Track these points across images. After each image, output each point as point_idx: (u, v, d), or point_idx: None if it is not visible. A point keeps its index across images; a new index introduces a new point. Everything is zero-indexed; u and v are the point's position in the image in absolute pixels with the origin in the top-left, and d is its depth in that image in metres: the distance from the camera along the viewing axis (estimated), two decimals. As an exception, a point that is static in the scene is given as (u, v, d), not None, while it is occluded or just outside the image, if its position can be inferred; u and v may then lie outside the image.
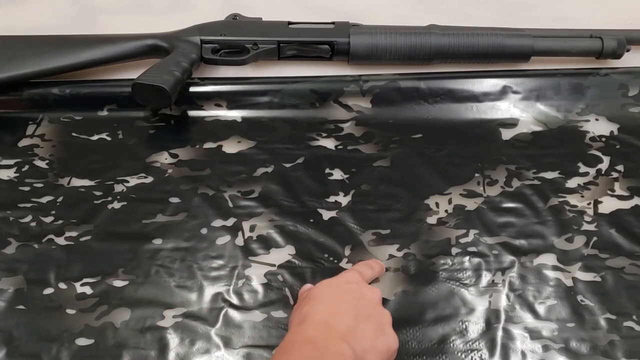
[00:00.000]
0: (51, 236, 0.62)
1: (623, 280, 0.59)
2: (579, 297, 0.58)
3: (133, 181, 0.67)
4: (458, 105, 0.73)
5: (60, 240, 0.62)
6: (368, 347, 0.48)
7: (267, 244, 0.62)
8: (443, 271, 0.60)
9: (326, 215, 0.64)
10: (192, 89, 0.73)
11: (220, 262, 0.61)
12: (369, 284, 0.57)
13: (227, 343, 0.55)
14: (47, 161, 0.69)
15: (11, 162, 0.68)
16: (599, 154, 0.69)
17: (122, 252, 0.61)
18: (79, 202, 0.65)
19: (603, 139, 0.70)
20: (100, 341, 0.55)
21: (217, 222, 0.63)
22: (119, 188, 0.66)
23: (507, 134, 0.71)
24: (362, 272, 0.56)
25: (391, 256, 0.61)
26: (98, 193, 0.66)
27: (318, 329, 0.48)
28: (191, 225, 0.63)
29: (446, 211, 0.64)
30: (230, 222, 0.63)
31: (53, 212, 0.64)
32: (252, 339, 0.56)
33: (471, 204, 0.65)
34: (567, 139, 0.70)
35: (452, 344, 0.55)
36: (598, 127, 0.71)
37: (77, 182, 0.67)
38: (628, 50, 0.74)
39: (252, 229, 0.63)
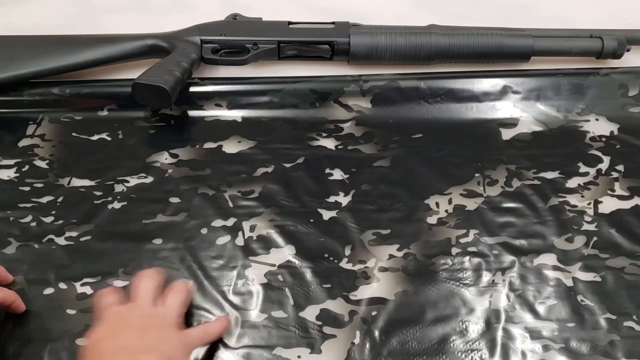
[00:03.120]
0: (51, 236, 0.62)
1: (623, 280, 0.59)
2: (579, 297, 0.58)
3: (133, 181, 0.67)
4: (458, 105, 0.73)
5: (60, 240, 0.62)
6: (166, 349, 0.49)
7: (267, 244, 0.62)
8: (443, 271, 0.60)
9: (326, 215, 0.64)
10: (192, 89, 0.73)
11: (221, 262, 0.61)
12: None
13: (227, 343, 0.55)
14: (47, 161, 0.69)
15: (11, 162, 0.68)
16: (599, 154, 0.69)
17: (122, 252, 0.61)
18: (79, 202, 0.65)
19: (603, 139, 0.70)
20: (100, 341, 0.55)
21: (217, 222, 0.63)
22: (119, 188, 0.66)
23: (507, 134, 0.71)
24: (115, 302, 0.53)
25: (391, 256, 0.61)
26: (98, 193, 0.66)
27: (115, 355, 0.48)
28: (191, 225, 0.63)
29: (446, 211, 0.64)
30: (231, 222, 0.63)
31: (53, 212, 0.64)
32: (252, 339, 0.56)
33: (471, 204, 0.65)
34: (567, 139, 0.70)
35: (452, 344, 0.55)
36: (598, 127, 0.71)
37: (77, 182, 0.67)
38: (628, 50, 0.74)
39: (252, 229, 0.63)
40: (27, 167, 0.68)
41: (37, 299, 0.58)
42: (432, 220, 0.64)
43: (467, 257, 0.61)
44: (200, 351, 0.55)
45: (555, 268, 0.60)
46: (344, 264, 0.60)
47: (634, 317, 0.56)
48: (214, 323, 0.56)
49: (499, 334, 0.56)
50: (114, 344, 0.49)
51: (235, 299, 0.58)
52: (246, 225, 0.63)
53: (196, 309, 0.57)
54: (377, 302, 0.58)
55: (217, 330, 0.55)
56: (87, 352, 0.49)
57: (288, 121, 0.72)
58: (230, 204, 0.65)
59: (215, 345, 0.55)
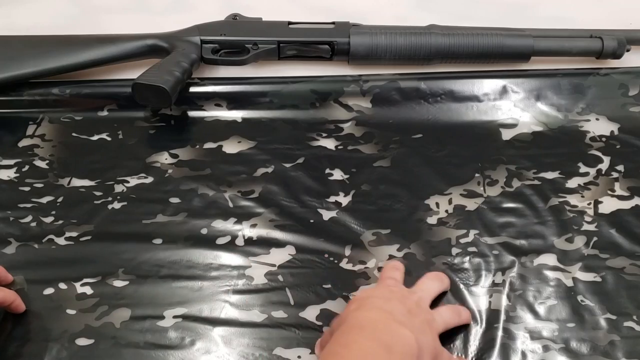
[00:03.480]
0: (51, 236, 0.62)
1: (623, 280, 0.59)
2: (579, 297, 0.58)
3: (133, 181, 0.67)
4: (458, 105, 0.73)
5: (60, 240, 0.62)
6: (423, 340, 0.48)
7: (267, 244, 0.62)
8: (443, 271, 0.60)
9: (326, 215, 0.64)
10: (192, 89, 0.73)
11: (221, 262, 0.61)
12: None
13: (227, 343, 0.55)
14: (47, 161, 0.69)
15: (11, 162, 0.68)
16: (599, 154, 0.69)
17: (122, 252, 0.61)
18: (79, 202, 0.65)
19: (603, 139, 0.70)
20: (100, 341, 0.55)
21: (217, 222, 0.63)
22: (119, 188, 0.66)
23: (507, 134, 0.71)
24: (395, 278, 0.56)
25: (391, 256, 0.61)
26: (98, 193, 0.66)
27: (377, 313, 0.48)
28: (191, 225, 0.63)
29: (446, 211, 0.64)
30: (231, 222, 0.63)
31: (53, 212, 0.64)
32: (252, 339, 0.56)
33: (471, 204, 0.65)
34: (567, 139, 0.70)
35: (452, 344, 0.55)
36: (598, 127, 0.71)
37: (77, 182, 0.67)
38: (628, 50, 0.74)
39: (252, 229, 0.63)
40: (27, 167, 0.68)
41: (37, 299, 0.58)
42: (432, 220, 0.64)
43: (467, 257, 0.61)
44: (201, 350, 0.55)
45: (555, 268, 0.60)
46: (344, 264, 0.60)
47: (634, 317, 0.56)
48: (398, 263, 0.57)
49: (499, 334, 0.56)
50: (382, 305, 0.49)
51: (235, 299, 0.58)
52: (246, 225, 0.63)
53: (195, 310, 0.57)
54: (377, 302, 0.58)
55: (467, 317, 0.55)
56: (356, 300, 0.51)
57: (288, 121, 0.72)
58: (230, 204, 0.65)
59: (215, 345, 0.55)
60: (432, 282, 0.56)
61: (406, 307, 0.50)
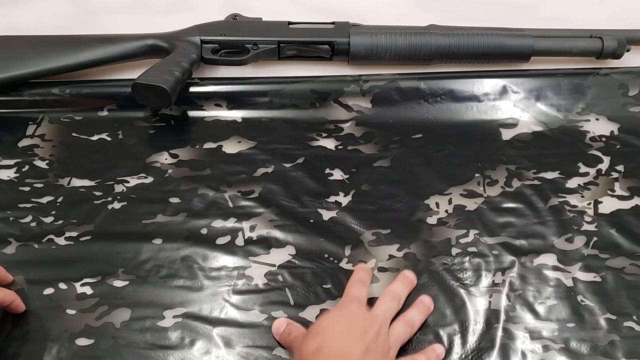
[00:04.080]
0: (51, 236, 0.62)
1: (623, 280, 0.59)
2: (579, 297, 0.58)
3: (133, 181, 0.67)
4: (458, 105, 0.73)
5: (60, 240, 0.62)
6: None
7: (267, 244, 0.62)
8: (443, 271, 0.60)
9: (326, 215, 0.64)
10: (192, 89, 0.73)
11: (221, 262, 0.61)
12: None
13: (227, 343, 0.55)
14: (47, 161, 0.69)
15: (11, 162, 0.68)
16: (599, 154, 0.69)
17: (122, 252, 0.61)
18: (79, 202, 0.65)
19: (603, 139, 0.70)
20: (100, 341, 0.55)
21: (217, 222, 0.63)
22: (119, 188, 0.66)
23: (507, 134, 0.71)
24: (360, 299, 0.55)
25: (391, 256, 0.61)
26: (98, 193, 0.66)
27: (335, 358, 0.48)
28: (191, 225, 0.63)
29: (446, 211, 0.64)
30: (230, 222, 0.63)
31: (53, 212, 0.64)
32: (252, 339, 0.56)
33: (471, 204, 0.65)
34: (567, 139, 0.70)
35: (452, 344, 0.55)
36: (598, 127, 0.71)
37: (77, 182, 0.67)
38: (628, 50, 0.74)
39: (252, 229, 0.63)
40: (27, 167, 0.68)
41: (37, 299, 0.58)
42: (432, 220, 0.64)
43: (467, 258, 0.61)
44: (201, 350, 0.55)
45: (555, 268, 0.60)
46: (344, 264, 0.60)
47: (634, 317, 0.56)
48: (365, 272, 0.57)
49: (499, 334, 0.56)
50: (339, 345, 0.49)
51: (235, 299, 0.58)
52: (246, 225, 0.63)
53: (195, 310, 0.57)
54: (377, 302, 0.58)
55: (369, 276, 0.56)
56: (316, 336, 0.51)
57: (288, 121, 0.72)
58: (230, 204, 0.65)
59: (215, 345, 0.55)
60: (391, 304, 0.55)
61: (365, 344, 0.50)
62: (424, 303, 0.57)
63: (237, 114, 0.73)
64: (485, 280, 0.59)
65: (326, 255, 0.61)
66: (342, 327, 0.51)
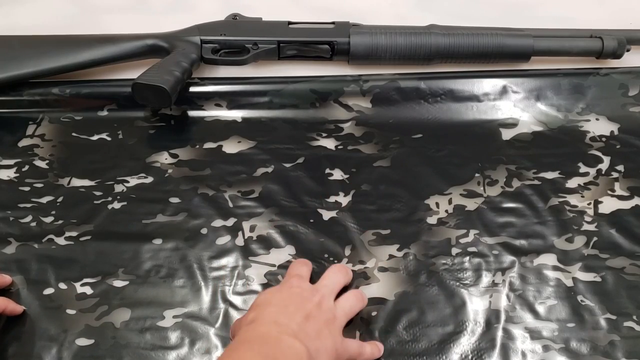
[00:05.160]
0: (51, 236, 0.62)
1: (623, 280, 0.59)
2: (579, 297, 0.58)
3: (133, 181, 0.67)
4: (458, 105, 0.73)
5: (60, 240, 0.62)
6: (318, 346, 0.48)
7: (267, 244, 0.62)
8: (443, 271, 0.60)
9: (326, 215, 0.64)
10: (192, 89, 0.73)
11: (221, 262, 0.61)
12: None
13: (227, 343, 0.55)
14: (47, 161, 0.69)
15: (11, 162, 0.68)
16: (599, 154, 0.69)
17: (122, 252, 0.61)
18: (79, 202, 0.65)
19: (603, 139, 0.70)
20: (100, 341, 0.55)
21: (217, 222, 0.63)
22: (119, 188, 0.66)
23: (507, 134, 0.71)
24: (301, 275, 0.55)
25: (391, 256, 0.61)
26: (98, 193, 0.66)
27: (269, 326, 0.48)
28: (191, 225, 0.63)
29: (446, 211, 0.64)
30: (230, 222, 0.63)
31: (53, 212, 0.64)
32: (252, 339, 0.56)
33: (471, 204, 0.65)
34: (567, 139, 0.70)
35: (452, 344, 0.55)
36: (598, 127, 0.71)
37: (77, 182, 0.67)
38: (628, 50, 0.74)
39: (252, 229, 0.63)
40: (27, 167, 0.68)
41: (37, 299, 0.58)
42: (432, 220, 0.64)
43: (467, 258, 0.61)
44: (201, 350, 0.55)
45: (555, 268, 0.60)
46: (344, 264, 0.60)
47: (634, 317, 0.56)
48: (371, 346, 0.54)
49: (499, 334, 0.56)
50: (275, 314, 0.49)
51: (235, 299, 0.58)
52: (246, 225, 0.63)
53: (195, 310, 0.57)
54: (377, 302, 0.58)
55: (371, 355, 0.54)
56: (254, 309, 0.51)
57: (288, 121, 0.72)
58: (230, 204, 0.65)
59: (215, 345, 0.55)
60: (336, 275, 0.56)
61: (304, 311, 0.50)
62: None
63: (237, 114, 0.73)
64: (485, 280, 0.59)
65: (326, 255, 0.61)
66: (279, 298, 0.52)
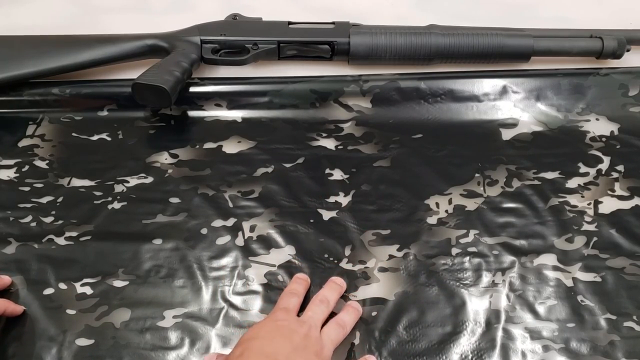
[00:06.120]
0: (51, 236, 0.62)
1: (623, 280, 0.59)
2: (579, 298, 0.58)
3: (133, 181, 0.67)
4: (458, 105, 0.73)
5: (60, 240, 0.62)
6: None
7: (267, 244, 0.62)
8: (443, 271, 0.60)
9: (326, 215, 0.64)
10: (192, 89, 0.73)
11: (220, 262, 0.61)
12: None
13: (227, 343, 0.56)
14: (47, 161, 0.69)
15: (11, 162, 0.68)
16: (599, 154, 0.69)
17: (122, 252, 0.61)
18: (79, 202, 0.65)
19: (603, 139, 0.70)
20: (100, 341, 0.55)
21: (217, 222, 0.63)
22: (119, 188, 0.66)
23: (507, 134, 0.71)
24: (287, 308, 0.55)
25: (391, 256, 0.61)
26: (98, 193, 0.66)
27: (258, 359, 0.48)
28: (191, 225, 0.63)
29: (446, 211, 0.64)
30: (230, 222, 0.63)
31: (53, 212, 0.64)
32: (252, 339, 0.56)
33: (471, 204, 0.65)
34: (567, 139, 0.70)
35: (452, 344, 0.55)
36: (598, 127, 0.71)
37: (77, 182, 0.67)
38: (628, 50, 0.74)
39: (252, 229, 0.63)
40: (27, 167, 0.68)
41: (37, 299, 0.58)
42: (432, 220, 0.64)
43: (467, 258, 0.61)
44: (200, 350, 0.55)
45: (555, 268, 0.60)
46: (344, 264, 0.60)
47: (634, 317, 0.56)
48: (301, 282, 0.57)
49: (499, 334, 0.56)
50: (263, 347, 0.49)
51: (235, 299, 0.58)
52: (246, 225, 0.63)
53: (195, 310, 0.57)
54: (377, 302, 0.58)
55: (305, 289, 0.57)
56: (241, 344, 0.50)
57: (288, 121, 0.72)
58: (230, 204, 0.65)
59: (215, 345, 0.55)
60: (319, 307, 0.55)
61: (293, 344, 0.50)
62: (353, 306, 0.57)
63: (237, 114, 0.73)
64: (485, 280, 0.59)
65: (326, 255, 0.61)
66: (267, 331, 0.51)
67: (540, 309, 0.57)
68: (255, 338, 0.51)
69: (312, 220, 0.64)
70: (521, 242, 0.62)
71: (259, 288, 0.59)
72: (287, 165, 0.68)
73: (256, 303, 0.58)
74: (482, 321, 0.56)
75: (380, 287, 0.59)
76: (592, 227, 0.63)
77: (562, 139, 0.70)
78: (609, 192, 0.66)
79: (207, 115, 0.73)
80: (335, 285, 0.58)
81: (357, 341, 0.56)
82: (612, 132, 0.71)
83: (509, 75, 0.75)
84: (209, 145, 0.70)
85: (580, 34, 0.75)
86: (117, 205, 0.65)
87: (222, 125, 0.72)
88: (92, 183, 0.67)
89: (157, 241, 0.62)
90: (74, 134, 0.71)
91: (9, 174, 0.67)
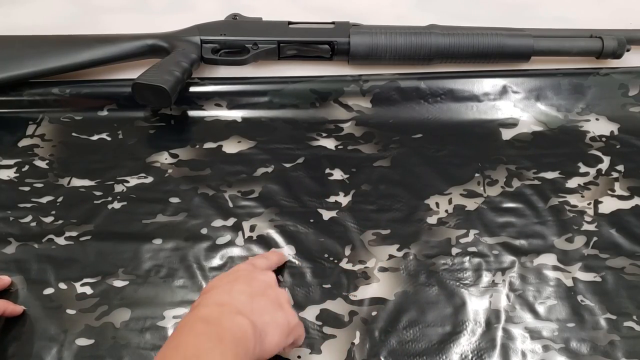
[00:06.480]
0: (51, 236, 0.62)
1: (623, 280, 0.59)
2: (579, 297, 0.58)
3: (133, 181, 0.67)
4: (458, 105, 0.73)
5: (60, 240, 0.62)
6: (267, 320, 0.49)
7: (267, 244, 0.62)
8: (443, 271, 0.60)
9: (326, 215, 0.64)
10: (192, 89, 0.73)
11: (221, 262, 0.61)
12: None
13: (227, 343, 0.55)
14: (47, 161, 0.69)
15: (11, 162, 0.68)
16: (599, 154, 0.69)
17: (122, 252, 0.61)
18: (79, 202, 0.65)
19: (603, 139, 0.70)
20: (100, 341, 0.55)
21: (217, 222, 0.63)
22: (119, 188, 0.66)
23: (507, 134, 0.71)
24: (254, 263, 0.56)
25: (391, 256, 0.61)
26: (98, 193, 0.66)
27: (211, 308, 0.48)
28: (191, 225, 0.63)
29: (446, 211, 0.64)
30: (230, 222, 0.63)
31: (53, 212, 0.64)
32: (252, 339, 0.56)
33: (471, 204, 0.65)
34: (567, 139, 0.70)
35: (452, 344, 0.55)
36: (598, 127, 0.71)
37: (77, 182, 0.67)
38: (628, 50, 0.74)
39: (252, 229, 0.63)
40: (27, 167, 0.68)
41: (37, 299, 0.58)
42: (432, 220, 0.64)
43: (467, 257, 0.61)
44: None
45: (555, 268, 0.60)
46: (344, 264, 0.60)
47: (634, 317, 0.56)
48: (274, 253, 0.59)
49: (499, 334, 0.56)
50: (219, 295, 0.50)
51: (235, 299, 0.58)
52: (246, 225, 0.63)
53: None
54: (377, 302, 0.58)
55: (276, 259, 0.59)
56: (202, 294, 0.51)
57: (288, 121, 0.72)
58: (230, 204, 0.65)
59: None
60: (273, 255, 0.59)
61: (251, 289, 0.51)
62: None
63: (237, 114, 0.73)
64: (485, 280, 0.59)
65: (326, 255, 0.61)
66: (225, 282, 0.52)
67: (540, 309, 0.57)
68: (213, 288, 0.51)
69: (312, 220, 0.64)
70: (521, 242, 0.62)
71: (259, 288, 0.59)
72: (287, 165, 0.68)
73: (256, 303, 0.58)
74: (482, 321, 0.56)
75: (380, 287, 0.59)
76: (592, 227, 0.63)
77: (562, 139, 0.70)
78: (609, 192, 0.66)
79: (207, 115, 0.73)
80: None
81: (357, 341, 0.56)
82: (612, 132, 0.71)
83: (509, 75, 0.75)
84: (209, 145, 0.70)
85: (580, 34, 0.75)
86: (117, 205, 0.65)
87: (222, 125, 0.72)
88: (92, 183, 0.67)
89: (157, 241, 0.62)
90: (74, 134, 0.71)
91: (9, 174, 0.67)
